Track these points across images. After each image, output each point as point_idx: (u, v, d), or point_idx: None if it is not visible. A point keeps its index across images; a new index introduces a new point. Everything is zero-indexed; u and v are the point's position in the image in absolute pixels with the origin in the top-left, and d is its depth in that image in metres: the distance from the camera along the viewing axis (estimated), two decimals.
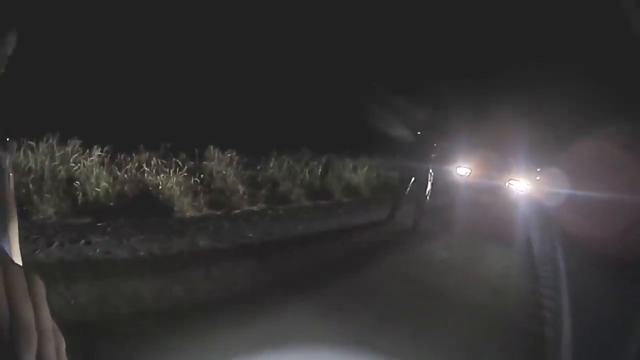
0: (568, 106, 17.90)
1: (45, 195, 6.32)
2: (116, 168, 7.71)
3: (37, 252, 5.00)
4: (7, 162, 0.94)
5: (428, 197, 9.80)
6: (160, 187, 7.76)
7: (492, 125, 17.73)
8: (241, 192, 9.11)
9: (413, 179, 9.71)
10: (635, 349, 4.01)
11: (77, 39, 8.60)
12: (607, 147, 12.84)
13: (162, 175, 8.02)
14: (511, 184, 17.87)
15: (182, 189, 8.12)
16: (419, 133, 9.93)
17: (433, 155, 9.69)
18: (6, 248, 0.86)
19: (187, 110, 10.17)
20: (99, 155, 7.62)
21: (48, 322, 0.55)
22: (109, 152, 7.81)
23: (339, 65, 13.88)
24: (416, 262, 7.61)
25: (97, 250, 5.49)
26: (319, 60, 13.48)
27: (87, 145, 7.56)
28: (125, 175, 7.69)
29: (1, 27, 0.91)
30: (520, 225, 12.42)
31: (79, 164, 7.19)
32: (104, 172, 7.39)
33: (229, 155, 9.68)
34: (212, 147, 9.49)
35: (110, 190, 7.16)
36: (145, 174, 7.88)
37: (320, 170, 11.72)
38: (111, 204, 7.01)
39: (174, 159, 8.51)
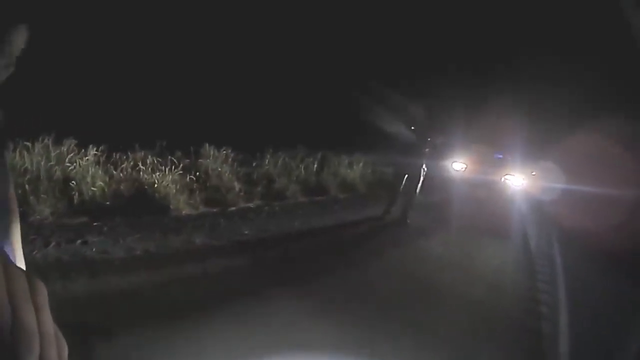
0: (564, 101, 17.92)
1: (42, 195, 6.33)
2: (112, 167, 7.72)
3: (34, 253, 5.01)
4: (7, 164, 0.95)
5: (417, 192, 9.81)
6: (156, 185, 7.77)
7: (488, 120, 17.74)
8: (237, 189, 9.13)
9: (406, 175, 9.73)
10: (635, 347, 4.06)
11: (71, 39, 8.58)
12: (602, 143, 12.91)
13: (158, 173, 8.03)
14: (507, 179, 17.90)
15: (178, 187, 8.14)
16: (412, 128, 9.95)
17: (427, 150, 9.70)
18: (9, 250, 0.87)
19: (182, 108, 10.16)
20: (95, 154, 7.62)
21: (50, 326, 0.54)
22: (105, 152, 7.81)
23: (333, 61, 13.87)
24: (413, 258, 7.66)
25: (94, 250, 5.51)
26: (314, 56, 13.47)
27: (82, 145, 7.56)
28: (121, 174, 7.70)
29: (10, 28, 0.93)
30: (516, 220, 12.46)
31: (74, 164, 7.19)
32: (100, 172, 7.39)
33: (225, 152, 9.68)
34: (207, 144, 9.49)
35: (106, 190, 7.17)
36: (141, 173, 7.89)
37: (315, 166, 11.74)
38: (107, 203, 7.02)
39: (169, 157, 8.51)
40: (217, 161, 9.44)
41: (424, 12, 15.47)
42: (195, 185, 8.52)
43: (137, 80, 9.45)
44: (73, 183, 6.87)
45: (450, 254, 8.15)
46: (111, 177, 7.52)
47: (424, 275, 6.74)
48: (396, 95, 12.92)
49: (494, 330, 5.20)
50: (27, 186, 6.32)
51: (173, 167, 8.36)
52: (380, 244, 8.26)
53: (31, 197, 6.17)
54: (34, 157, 6.80)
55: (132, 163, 8.02)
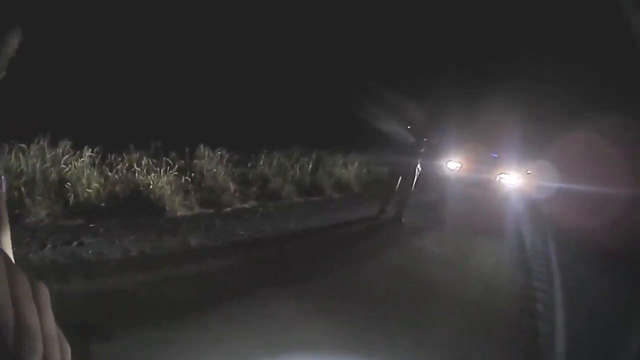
0: (559, 100, 18.01)
1: (37, 197, 6.31)
2: (107, 169, 7.70)
3: (30, 255, 5.02)
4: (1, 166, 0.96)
5: (412, 191, 9.83)
6: (151, 186, 7.77)
7: (483, 119, 17.81)
8: (232, 190, 9.13)
9: (401, 175, 9.76)
10: (634, 346, 4.09)
11: (66, 40, 8.58)
12: (597, 142, 12.98)
13: (153, 174, 8.03)
14: (502, 177, 17.96)
15: (173, 188, 8.14)
16: (409, 127, 9.97)
17: (422, 150, 9.72)
18: None
19: (177, 109, 10.17)
20: (90, 156, 7.60)
21: (52, 327, 0.55)
22: (100, 153, 7.80)
23: (329, 61, 13.89)
24: (408, 257, 7.67)
25: (90, 252, 5.51)
26: (309, 56, 13.49)
27: (77, 147, 7.54)
28: (116, 176, 7.68)
29: (3, 30, 0.94)
30: (512, 219, 12.51)
31: (69, 166, 7.17)
32: (95, 173, 7.38)
33: (219, 153, 9.69)
34: (202, 145, 9.51)
35: (101, 191, 7.17)
36: (136, 174, 7.88)
37: (310, 166, 11.75)
38: (103, 204, 7.02)
39: (164, 158, 8.51)
40: (212, 162, 9.45)
41: (420, 12, 15.52)
42: (190, 186, 8.52)
43: (131, 81, 9.46)
44: (68, 185, 6.86)
45: (445, 253, 8.18)
46: (106, 178, 7.51)
47: (419, 275, 6.77)
48: (391, 94, 12.95)
49: (490, 329, 5.22)
50: (22, 188, 6.30)
51: (168, 168, 8.36)
52: (375, 244, 8.26)
53: (27, 199, 6.16)
54: (29, 159, 6.78)
55: (127, 164, 8.01)
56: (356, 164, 13.48)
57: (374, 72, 14.99)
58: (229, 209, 8.66)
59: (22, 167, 6.66)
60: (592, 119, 14.24)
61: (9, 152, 6.55)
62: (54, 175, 6.93)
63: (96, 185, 7.15)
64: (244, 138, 10.43)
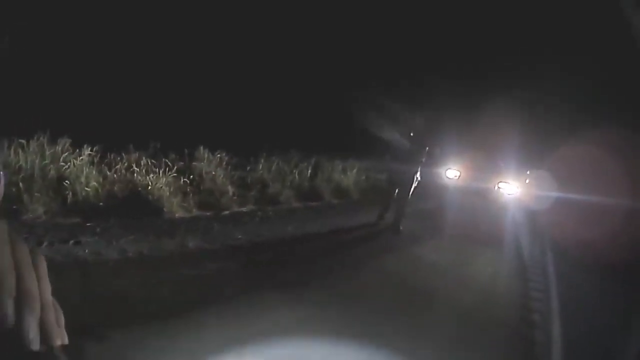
0: (558, 110, 18.07)
1: (35, 194, 6.27)
2: (106, 168, 7.65)
3: (21, 237, 4.94)
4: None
5: (409, 199, 9.80)
6: (149, 187, 7.72)
7: (482, 128, 17.83)
8: (231, 193, 9.09)
9: (400, 182, 9.73)
10: (630, 356, 4.07)
11: (69, 38, 8.57)
12: (596, 152, 12.99)
13: (152, 175, 7.98)
14: (500, 186, 17.99)
15: (172, 189, 8.09)
16: (410, 135, 9.95)
17: (423, 159, 9.70)
18: None
19: (177, 111, 10.13)
20: (89, 154, 7.54)
21: (49, 293, 0.59)
22: (99, 152, 7.74)
23: (330, 66, 13.90)
24: (405, 265, 7.63)
25: (87, 251, 5.46)
26: (310, 61, 13.49)
27: (77, 145, 7.49)
28: (115, 175, 7.63)
29: None
30: (509, 228, 12.49)
31: (68, 163, 7.12)
32: (94, 172, 7.32)
33: (219, 156, 9.64)
34: (201, 147, 9.46)
35: (99, 190, 7.11)
36: (135, 174, 7.83)
37: (309, 171, 11.71)
38: (101, 204, 6.96)
39: (163, 159, 8.46)
40: (211, 164, 9.39)
41: (422, 21, 15.56)
42: (189, 188, 8.47)
43: (133, 81, 9.43)
44: (67, 183, 6.81)
45: (442, 261, 8.13)
46: (105, 177, 7.45)
47: (416, 282, 6.72)
48: (392, 102, 12.95)
49: (487, 337, 5.19)
50: (21, 184, 6.25)
51: (167, 170, 8.30)
52: (372, 251, 8.20)
53: (25, 196, 6.11)
54: (28, 155, 6.73)
55: (126, 164, 7.95)
56: (355, 170, 13.44)
57: (375, 80, 15.01)
58: (227, 212, 8.60)
59: (21, 163, 6.61)
60: (592, 130, 14.27)
61: (9, 148, 6.52)
62: (52, 172, 6.88)
63: (95, 184, 7.10)
64: (244, 141, 10.38)
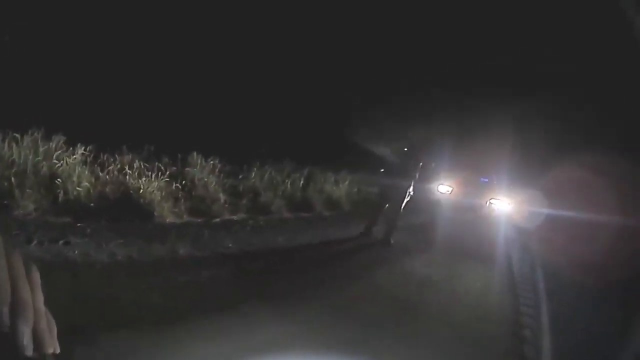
0: (550, 129, 18.24)
1: (27, 190, 6.14)
2: (98, 168, 7.52)
3: (16, 249, 4.84)
4: None
5: (401, 214, 9.77)
6: (141, 191, 7.60)
7: (475, 145, 17.94)
8: (222, 200, 8.98)
9: (391, 196, 9.70)
10: None
11: (70, 38, 8.53)
12: (586, 172, 13.13)
13: (144, 179, 7.86)
14: (492, 202, 18.10)
15: (164, 194, 7.97)
16: (405, 150, 9.96)
17: (416, 174, 9.69)
18: None
19: (173, 115, 10.06)
20: (82, 153, 7.43)
21: (42, 303, 0.64)
22: (92, 152, 7.63)
23: (326, 79, 13.91)
24: (395, 278, 7.62)
25: (76, 252, 5.34)
26: (306, 74, 13.49)
27: (71, 143, 7.37)
28: (107, 177, 7.50)
29: None
30: (500, 244, 12.50)
31: (61, 161, 6.99)
32: (86, 172, 7.20)
33: (212, 162, 9.55)
34: (195, 153, 9.36)
35: (91, 191, 6.98)
36: (127, 177, 7.70)
37: (302, 182, 11.64)
38: (92, 204, 6.82)
39: (156, 163, 8.34)
40: (204, 171, 9.29)
41: (417, 37, 15.63)
42: (180, 194, 8.36)
43: (130, 84, 9.36)
44: (59, 181, 6.68)
45: (433, 275, 8.09)
46: (97, 178, 7.33)
47: (406, 296, 6.70)
48: (386, 117, 12.98)
49: (477, 352, 5.19)
50: (13, 179, 6.13)
51: (160, 174, 8.19)
52: (363, 264, 8.18)
53: (16, 191, 5.99)
54: (22, 149, 6.60)
55: (119, 166, 7.83)
56: (347, 182, 13.38)
57: (370, 95, 15.05)
58: (218, 220, 8.50)
59: (14, 157, 6.48)
60: (583, 150, 14.45)
61: (3, 141, 6.42)
62: (45, 169, 6.75)
63: (86, 184, 6.97)
64: (237, 149, 10.33)
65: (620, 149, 13.41)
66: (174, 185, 8.34)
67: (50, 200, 6.42)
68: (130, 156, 8.21)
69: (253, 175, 10.47)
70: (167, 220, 7.65)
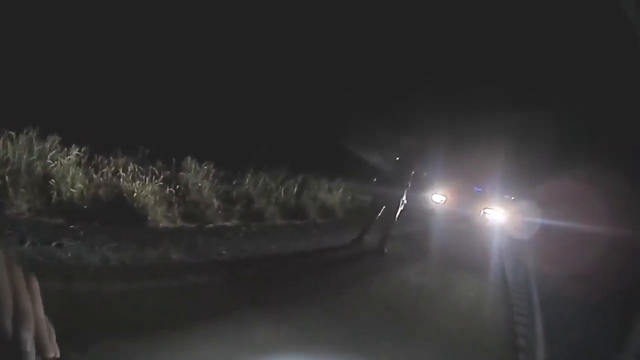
0: (545, 138, 18.33)
1: (20, 189, 6.05)
2: (92, 170, 7.42)
3: (7, 247, 4.76)
4: None
5: (395, 222, 9.75)
6: (135, 194, 7.49)
7: (469, 154, 18.01)
8: (216, 206, 8.89)
9: (384, 205, 9.68)
10: None
11: (68, 39, 8.49)
12: (579, 183, 13.20)
13: (138, 182, 7.75)
14: (486, 212, 18.15)
15: (157, 198, 7.88)
16: (397, 159, 9.96)
17: (409, 183, 9.67)
18: None
19: (168, 119, 10.00)
20: (77, 154, 7.32)
21: (41, 311, 0.67)
22: (87, 153, 7.53)
23: (320, 87, 13.93)
24: (389, 287, 7.62)
25: (69, 255, 5.26)
26: (301, 81, 13.50)
27: (65, 143, 7.28)
28: (101, 179, 7.39)
29: None
30: (494, 253, 12.52)
31: (56, 162, 6.89)
32: (80, 173, 7.10)
33: (206, 167, 9.46)
34: (189, 157, 9.29)
35: (85, 193, 6.88)
36: (121, 180, 7.60)
37: (295, 189, 11.58)
38: (85, 206, 6.72)
39: (150, 167, 8.25)
40: (198, 176, 9.19)
41: (411, 46, 15.69)
42: (174, 198, 8.27)
43: (126, 86, 9.31)
44: (53, 181, 6.58)
45: (427, 284, 8.11)
46: (91, 180, 7.22)
47: (400, 305, 6.70)
48: (380, 126, 12.99)
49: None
50: (7, 177, 6.04)
51: (154, 178, 8.09)
52: (356, 272, 8.17)
53: (10, 190, 5.90)
54: (17, 148, 6.51)
55: (113, 168, 7.73)
56: (341, 190, 13.33)
57: (365, 103, 15.09)
58: (211, 226, 8.41)
59: (8, 155, 6.38)
60: (578, 161, 14.55)
61: None
62: (39, 169, 6.64)
63: (80, 185, 6.87)
64: (232, 155, 10.27)
65: (615, 158, 13.53)
66: (168, 189, 8.25)
67: (44, 201, 6.32)
68: (125, 159, 8.11)
69: (247, 181, 10.39)
70: (161, 224, 7.56)
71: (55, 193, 6.51)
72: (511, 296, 8.28)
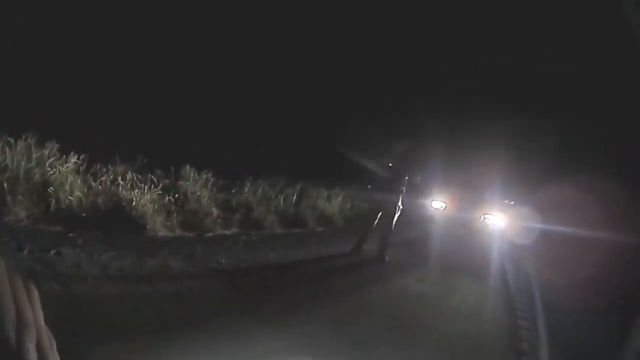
0: (545, 145, 18.33)
1: (19, 196, 6.00)
2: (91, 178, 7.36)
3: (7, 257, 4.71)
4: None
5: (393, 229, 9.69)
6: (134, 202, 7.44)
7: (469, 160, 17.98)
8: (215, 215, 8.84)
9: (381, 212, 9.65)
10: None
11: (67, 46, 8.48)
12: (581, 186, 13.18)
13: (137, 190, 7.70)
14: (486, 218, 18.12)
15: (156, 207, 7.82)
16: (390, 165, 9.94)
17: (403, 188, 9.64)
18: None
19: (166, 127, 9.97)
20: (75, 162, 7.26)
21: (42, 321, 0.68)
22: (85, 161, 7.47)
23: (319, 94, 13.93)
24: (391, 294, 7.60)
25: (68, 263, 5.21)
26: (299, 88, 13.50)
27: (64, 151, 7.23)
28: (100, 187, 7.34)
29: None
30: (495, 258, 12.48)
31: (54, 169, 6.84)
32: (79, 181, 7.05)
33: (205, 176, 9.40)
34: (188, 166, 9.24)
35: (83, 201, 6.83)
36: (120, 188, 7.54)
37: (295, 197, 11.53)
38: (84, 214, 6.67)
39: (149, 175, 8.18)
40: (197, 184, 9.14)
41: (409, 50, 15.71)
42: (173, 207, 8.21)
43: (124, 94, 9.29)
44: (51, 189, 6.53)
45: (428, 291, 8.05)
46: (90, 188, 7.17)
47: (402, 312, 6.67)
48: (378, 132, 12.98)
49: None
50: (5, 184, 5.99)
51: (152, 186, 8.03)
52: (357, 280, 8.12)
53: (8, 197, 5.85)
54: (15, 154, 6.45)
55: (111, 177, 7.67)
56: (340, 198, 13.27)
57: (364, 110, 15.08)
58: (210, 234, 8.35)
59: (6, 162, 6.33)
60: (578, 167, 14.53)
61: None
62: (37, 176, 6.59)
63: (79, 193, 6.82)
64: (231, 163, 10.23)
65: (615, 164, 13.53)
66: (167, 198, 8.19)
67: (42, 208, 6.27)
68: (123, 167, 8.05)
69: (246, 189, 10.34)
70: (160, 233, 7.50)
71: (53, 201, 6.45)
72: (513, 300, 8.26)
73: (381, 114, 15.66)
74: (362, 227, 10.06)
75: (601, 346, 5.84)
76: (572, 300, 8.04)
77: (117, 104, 9.12)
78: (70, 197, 6.67)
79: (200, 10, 11.47)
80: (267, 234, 9.62)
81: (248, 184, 10.48)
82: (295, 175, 11.89)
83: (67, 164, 7.10)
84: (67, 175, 6.93)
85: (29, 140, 6.84)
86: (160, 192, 8.13)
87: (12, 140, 6.57)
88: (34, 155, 6.73)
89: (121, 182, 7.68)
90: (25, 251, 5.05)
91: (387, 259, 9.47)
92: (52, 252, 5.29)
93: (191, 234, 8.07)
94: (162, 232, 7.59)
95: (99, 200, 7.11)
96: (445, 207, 17.25)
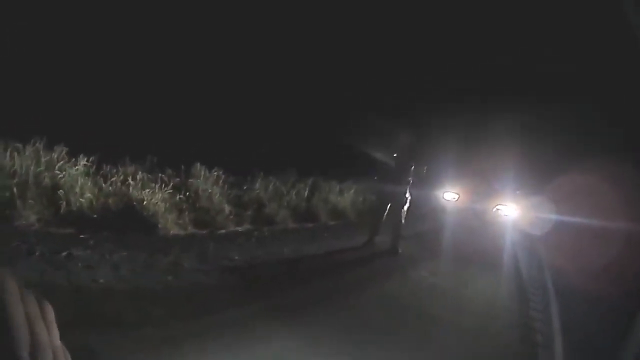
0: (560, 134, 18.13)
1: (29, 200, 6.05)
2: (101, 179, 7.40)
3: (18, 260, 4.75)
4: None
5: (403, 221, 9.64)
6: (145, 202, 7.47)
7: (481, 151, 17.83)
8: (227, 211, 8.85)
9: (389, 204, 9.59)
10: None
11: (73, 48, 8.50)
12: (594, 176, 13.02)
13: (148, 190, 7.73)
14: (499, 209, 17.97)
15: (167, 205, 7.84)
16: (395, 155, 9.86)
17: (410, 179, 9.56)
18: None
19: (175, 126, 9.97)
20: (85, 164, 7.32)
21: (58, 339, 0.66)
22: (95, 163, 7.51)
23: (329, 88, 13.88)
24: (405, 287, 7.53)
25: (79, 265, 5.23)
26: (309, 83, 13.46)
27: (73, 154, 7.28)
28: (110, 188, 7.37)
29: None
30: (508, 250, 12.38)
31: (64, 172, 6.89)
32: (89, 183, 7.10)
33: (216, 173, 9.40)
34: (198, 164, 9.24)
35: (94, 202, 6.87)
36: (130, 188, 7.57)
37: (306, 192, 11.53)
38: (94, 216, 6.71)
39: (159, 175, 8.22)
40: (208, 182, 9.15)
41: (416, 41, 15.60)
42: (184, 205, 8.23)
43: (132, 94, 9.30)
44: (61, 192, 6.58)
45: (442, 283, 8.01)
46: (100, 189, 7.21)
47: (416, 304, 6.63)
48: (388, 124, 12.89)
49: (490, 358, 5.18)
50: (15, 189, 6.04)
51: (163, 185, 8.06)
52: (370, 273, 8.09)
53: (18, 201, 5.89)
54: (24, 159, 6.51)
55: (122, 177, 7.70)
56: (352, 191, 13.27)
57: (375, 103, 15.00)
58: (223, 231, 8.36)
59: (15, 167, 6.40)
60: (591, 156, 14.35)
61: (4, 150, 6.33)
62: (47, 180, 6.65)
63: (89, 195, 6.86)
64: (241, 160, 10.21)
65: (628, 153, 13.34)
66: (178, 196, 8.22)
67: (53, 212, 6.32)
68: (134, 167, 8.08)
69: (257, 185, 10.33)
70: (171, 232, 7.53)
71: (64, 203, 6.50)
72: (526, 291, 8.18)
73: (395, 108, 15.59)
74: (373, 220, 10.01)
75: (615, 338, 5.78)
76: (585, 292, 7.97)
77: (125, 105, 9.12)
78: (80, 199, 6.71)
79: (208, 12, 11.46)
80: (280, 229, 9.61)
81: (259, 180, 10.47)
82: (307, 169, 11.86)
83: (76, 167, 7.15)
84: (77, 178, 6.97)
85: (37, 144, 6.90)
86: (171, 190, 8.15)
87: (20, 145, 6.62)
88: (42, 160, 6.79)
89: (131, 182, 7.71)
90: (36, 254, 5.08)
91: (400, 251, 9.42)
92: (63, 254, 5.32)
93: (203, 232, 8.08)
94: (174, 231, 7.60)
95: (110, 201, 7.14)
96: (458, 198, 17.13)
